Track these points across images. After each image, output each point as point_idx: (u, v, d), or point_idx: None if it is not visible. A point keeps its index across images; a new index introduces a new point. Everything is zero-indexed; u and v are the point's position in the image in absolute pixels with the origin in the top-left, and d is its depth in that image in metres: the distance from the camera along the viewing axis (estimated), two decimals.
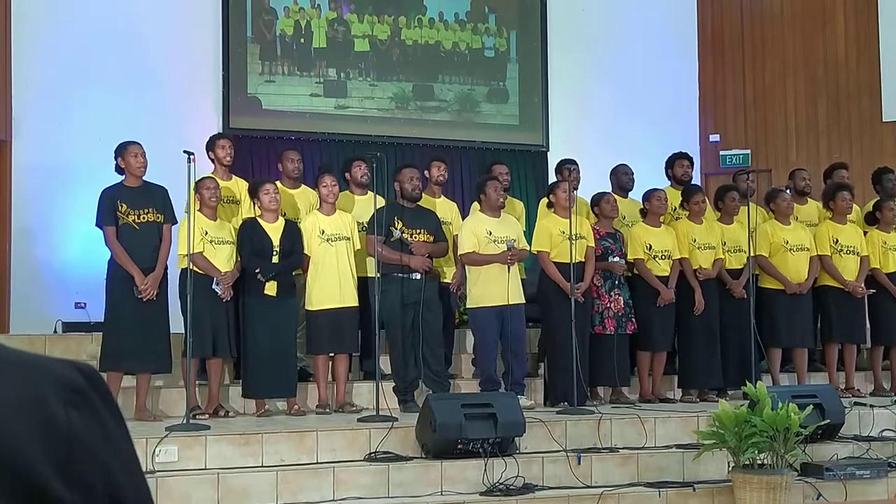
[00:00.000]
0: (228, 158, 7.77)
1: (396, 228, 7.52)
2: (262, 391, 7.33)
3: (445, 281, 8.00)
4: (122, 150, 7.01)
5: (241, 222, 7.60)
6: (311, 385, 7.61)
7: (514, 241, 7.64)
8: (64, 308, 8.99)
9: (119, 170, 7.03)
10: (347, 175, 8.16)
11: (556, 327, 7.70)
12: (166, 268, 7.03)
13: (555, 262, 7.81)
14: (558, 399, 7.67)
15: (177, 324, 7.12)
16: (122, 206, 6.91)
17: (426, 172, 8.35)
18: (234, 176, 7.95)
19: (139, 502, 0.86)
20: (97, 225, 6.96)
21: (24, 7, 9.56)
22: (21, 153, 9.46)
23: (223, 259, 7.23)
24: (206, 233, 7.18)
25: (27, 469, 0.78)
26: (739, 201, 8.70)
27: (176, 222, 7.14)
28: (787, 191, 9.07)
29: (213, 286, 7.11)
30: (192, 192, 7.07)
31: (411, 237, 7.56)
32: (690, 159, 9.25)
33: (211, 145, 7.80)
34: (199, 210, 7.16)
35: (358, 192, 8.17)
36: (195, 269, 6.96)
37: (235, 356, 7.42)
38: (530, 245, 7.98)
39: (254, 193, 7.49)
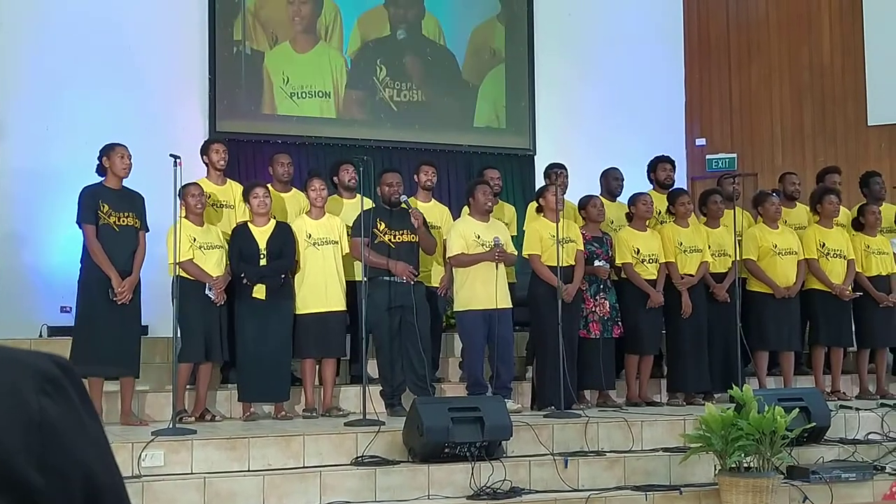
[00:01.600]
0: (222, 162, 7.77)
1: (411, 204, 7.59)
2: (254, 395, 7.32)
3: (432, 285, 8.00)
4: (108, 151, 6.97)
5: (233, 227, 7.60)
6: (298, 389, 7.60)
7: (501, 241, 7.64)
8: (49, 312, 8.94)
9: (101, 170, 6.99)
10: (335, 178, 8.15)
11: (547, 331, 7.70)
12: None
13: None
14: (546, 402, 7.68)
15: (166, 329, 7.10)
16: (104, 206, 6.86)
17: (415, 177, 8.34)
18: (228, 180, 7.94)
19: (113, 488, 0.87)
20: (77, 222, 6.90)
21: (9, 11, 9.53)
22: (6, 157, 9.42)
23: (213, 264, 7.22)
24: (195, 239, 7.16)
25: (1, 455, 0.78)
26: (723, 204, 8.72)
27: (148, 230, 7.10)
28: (775, 194, 9.09)
29: (207, 292, 7.10)
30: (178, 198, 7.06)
31: (395, 238, 7.57)
32: (673, 163, 9.26)
33: (205, 149, 7.81)
34: (185, 217, 7.13)
35: (346, 195, 8.16)
36: (185, 275, 6.94)
37: (228, 359, 7.41)
38: (519, 249, 7.99)
39: (245, 197, 7.50)
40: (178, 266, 6.82)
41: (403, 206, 7.63)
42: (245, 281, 7.23)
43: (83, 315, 6.87)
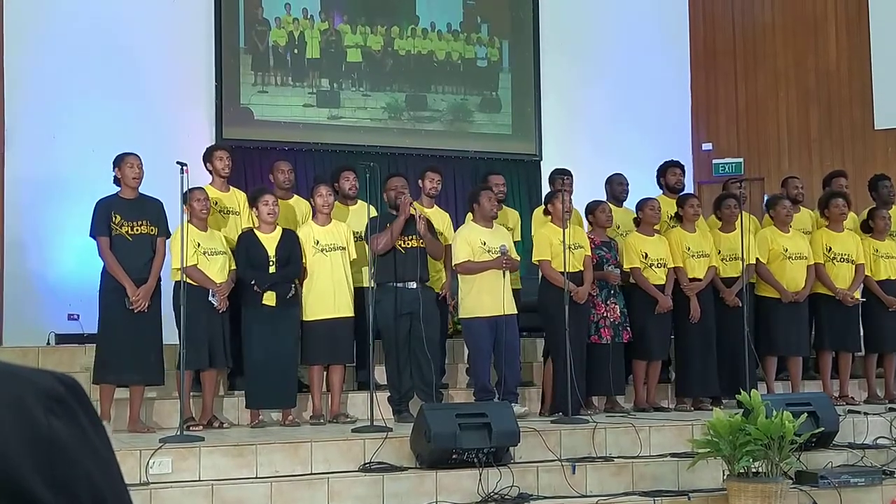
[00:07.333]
0: (226, 169, 7.76)
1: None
2: (262, 402, 7.31)
3: (437, 291, 7.99)
4: (119, 161, 7.04)
5: (238, 234, 7.58)
6: (306, 396, 7.60)
7: (507, 248, 7.64)
8: (57, 320, 8.97)
9: (117, 181, 7.05)
10: (336, 185, 8.13)
11: (560, 336, 7.68)
12: (159, 280, 7.02)
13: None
14: (558, 408, 7.65)
15: (171, 336, 7.10)
16: (116, 216, 6.92)
17: (419, 182, 8.34)
18: (231, 187, 7.94)
19: None
20: (91, 235, 6.96)
21: (16, 19, 9.56)
22: (13, 165, 9.45)
23: (216, 270, 7.21)
24: (199, 244, 7.16)
25: (11, 473, 0.79)
26: (737, 209, 8.70)
27: (170, 235, 7.13)
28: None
29: (210, 298, 7.10)
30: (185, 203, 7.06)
31: (404, 244, 7.58)
32: (682, 167, 9.24)
33: (208, 156, 7.79)
34: (189, 221, 7.14)
35: (346, 202, 8.14)
36: (189, 280, 6.95)
37: (231, 367, 7.40)
38: (531, 255, 7.99)
39: (253, 204, 7.49)
40: (182, 272, 6.84)
41: (411, 210, 7.64)
42: (255, 288, 7.22)
43: (104, 325, 6.96)
